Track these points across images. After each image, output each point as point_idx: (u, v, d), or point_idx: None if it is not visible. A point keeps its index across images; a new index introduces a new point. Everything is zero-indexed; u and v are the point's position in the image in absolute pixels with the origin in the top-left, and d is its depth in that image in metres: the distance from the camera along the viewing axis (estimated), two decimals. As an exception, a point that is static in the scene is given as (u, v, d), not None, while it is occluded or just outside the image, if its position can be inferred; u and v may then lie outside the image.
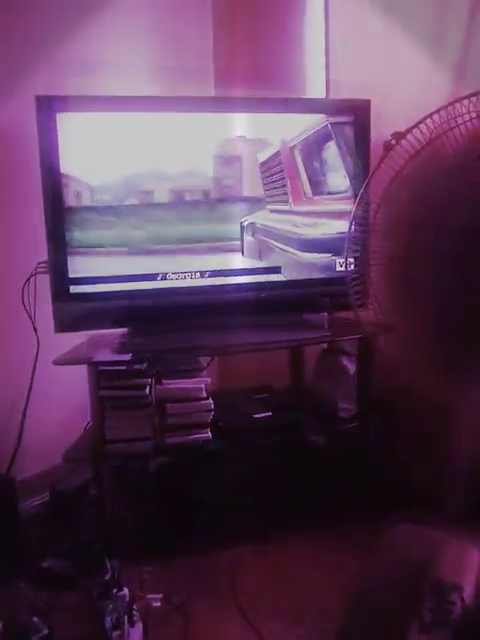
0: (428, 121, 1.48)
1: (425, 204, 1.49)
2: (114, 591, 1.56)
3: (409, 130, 1.48)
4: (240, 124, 2.02)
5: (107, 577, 1.63)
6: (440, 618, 0.80)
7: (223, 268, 2.05)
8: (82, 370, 1.83)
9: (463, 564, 0.94)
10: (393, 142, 1.50)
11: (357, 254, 1.68)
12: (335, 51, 2.32)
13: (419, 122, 1.48)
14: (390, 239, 1.55)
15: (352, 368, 2.10)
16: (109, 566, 1.65)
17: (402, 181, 1.53)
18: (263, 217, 2.07)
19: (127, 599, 1.55)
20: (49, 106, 1.81)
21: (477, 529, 1.33)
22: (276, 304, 2.06)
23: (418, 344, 1.58)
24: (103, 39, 2.24)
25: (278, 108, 2.05)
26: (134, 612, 1.53)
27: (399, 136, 1.49)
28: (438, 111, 1.49)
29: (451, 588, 0.85)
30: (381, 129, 1.96)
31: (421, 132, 1.49)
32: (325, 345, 2.25)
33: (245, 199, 2.05)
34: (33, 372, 2.06)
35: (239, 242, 2.06)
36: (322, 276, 2.13)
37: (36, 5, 2.06)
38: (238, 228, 2.05)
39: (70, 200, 1.88)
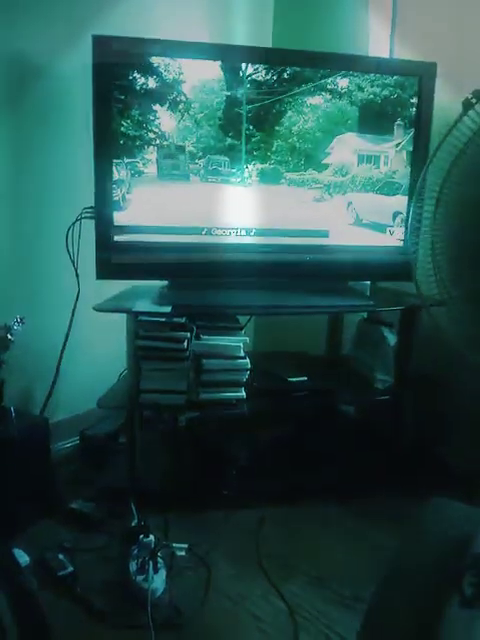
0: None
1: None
2: (140, 537, 1.58)
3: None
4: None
5: (134, 523, 1.66)
6: (482, 593, 0.79)
7: (269, 227, 2.01)
8: (120, 319, 1.83)
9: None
10: (473, 100, 1.40)
11: (418, 222, 1.61)
12: (402, 9, 2.20)
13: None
14: (461, 209, 1.47)
15: (392, 339, 2.05)
16: (135, 512, 1.68)
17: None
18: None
19: (152, 546, 1.57)
20: (106, 46, 1.75)
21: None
22: (321, 268, 2.02)
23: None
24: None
25: (340, 66, 1.96)
26: (159, 559, 1.56)
27: (480, 95, 1.39)
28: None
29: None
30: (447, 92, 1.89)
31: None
32: (365, 314, 2.21)
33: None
34: (72, 317, 2.06)
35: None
36: (370, 243, 2.07)
37: None
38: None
39: (121, 147, 1.85)
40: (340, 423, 2.13)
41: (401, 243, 2.04)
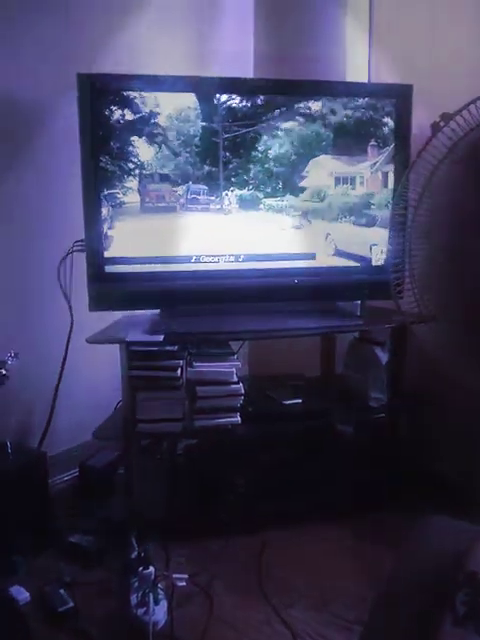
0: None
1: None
2: (140, 569, 1.58)
3: (459, 111, 1.43)
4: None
5: (133, 555, 1.65)
6: (474, 612, 0.79)
7: (257, 252, 2.03)
8: (114, 349, 1.84)
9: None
10: (441, 123, 1.44)
11: (397, 243, 1.65)
12: (379, 35, 2.26)
13: (470, 102, 1.42)
14: (435, 226, 1.51)
15: (384, 358, 2.06)
16: (135, 544, 1.67)
17: (452, 164, 1.47)
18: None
19: (153, 577, 1.56)
20: (90, 83, 1.80)
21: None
22: (310, 290, 2.04)
23: (457, 335, 1.54)
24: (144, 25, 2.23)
25: (318, 92, 2.01)
26: (159, 590, 1.55)
27: (448, 117, 1.43)
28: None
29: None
30: (423, 114, 1.92)
31: (470, 113, 1.42)
32: (357, 334, 2.22)
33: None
34: (66, 350, 2.08)
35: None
36: (357, 264, 2.10)
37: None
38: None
39: (108, 179, 1.88)
40: (337, 443, 2.12)
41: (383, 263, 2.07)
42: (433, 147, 1.49)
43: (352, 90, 2.04)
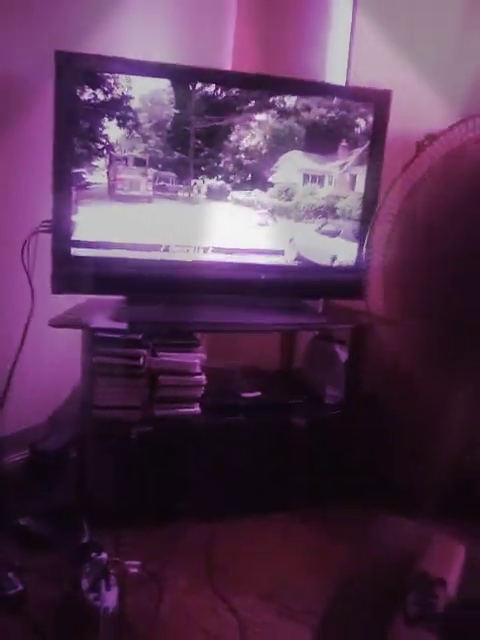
0: (462, 126, 1.47)
1: (446, 206, 1.50)
2: (92, 554, 1.58)
3: (443, 133, 1.48)
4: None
5: (85, 540, 1.65)
6: (424, 612, 0.83)
7: (225, 246, 2.04)
8: (73, 333, 1.82)
9: (448, 558, 0.97)
10: (425, 143, 1.49)
11: (368, 245, 1.69)
12: (359, 49, 2.28)
13: (453, 126, 1.48)
14: (409, 236, 1.56)
15: (343, 356, 2.11)
16: (87, 529, 1.67)
17: (431, 182, 1.52)
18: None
19: (104, 563, 1.56)
20: (67, 61, 1.75)
21: (453, 523, 1.37)
22: (276, 287, 2.07)
23: (416, 340, 1.60)
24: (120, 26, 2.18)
25: (296, 91, 2.01)
26: (110, 576, 1.55)
27: (432, 138, 1.48)
28: (473, 118, 1.49)
29: (436, 582, 0.88)
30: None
31: (447, 139, 1.47)
32: (317, 331, 2.26)
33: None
34: (25, 331, 2.04)
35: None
36: (322, 263, 2.13)
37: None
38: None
39: (78, 160, 1.85)
40: (293, 438, 2.16)
41: (353, 263, 2.11)
42: (416, 166, 1.54)
43: (330, 91, 2.06)
